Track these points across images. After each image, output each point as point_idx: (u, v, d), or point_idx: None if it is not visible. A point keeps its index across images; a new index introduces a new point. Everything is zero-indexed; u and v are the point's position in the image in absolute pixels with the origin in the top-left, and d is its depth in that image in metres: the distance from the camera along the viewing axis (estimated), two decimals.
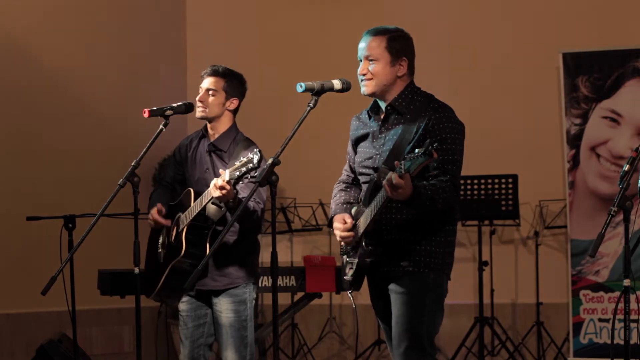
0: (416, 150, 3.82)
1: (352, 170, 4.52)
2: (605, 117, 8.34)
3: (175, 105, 5.07)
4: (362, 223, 4.21)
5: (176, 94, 8.69)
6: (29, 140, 8.47)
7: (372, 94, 4.33)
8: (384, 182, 3.93)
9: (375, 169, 4.27)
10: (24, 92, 8.49)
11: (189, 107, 5.11)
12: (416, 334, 4.19)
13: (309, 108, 4.27)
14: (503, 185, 8.42)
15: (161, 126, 4.95)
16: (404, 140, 4.17)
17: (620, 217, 4.14)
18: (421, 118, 4.19)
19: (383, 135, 4.30)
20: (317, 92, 4.30)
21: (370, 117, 4.40)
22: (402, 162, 3.84)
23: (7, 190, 8.28)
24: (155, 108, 5.01)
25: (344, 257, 4.38)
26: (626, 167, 4.12)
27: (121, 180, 4.81)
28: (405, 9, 9.29)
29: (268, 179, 4.18)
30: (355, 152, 4.46)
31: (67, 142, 8.72)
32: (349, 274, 4.32)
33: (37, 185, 8.45)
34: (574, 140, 8.43)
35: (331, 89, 4.35)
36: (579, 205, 8.40)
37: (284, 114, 7.63)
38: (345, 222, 4.29)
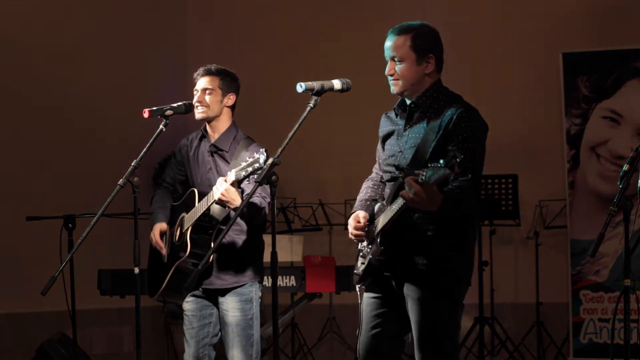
0: (441, 161, 3.77)
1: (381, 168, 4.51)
2: (605, 117, 8.34)
3: (175, 105, 5.07)
4: (381, 221, 4.19)
5: (176, 94, 8.69)
6: (29, 140, 8.48)
7: (400, 94, 4.30)
8: (404, 190, 3.89)
9: (397, 167, 4.26)
10: (24, 92, 8.49)
11: (189, 107, 5.12)
12: (437, 338, 4.16)
13: (309, 108, 4.27)
14: (503, 185, 8.42)
15: (161, 126, 4.96)
16: (428, 140, 4.15)
17: (620, 217, 4.14)
18: (444, 116, 4.16)
19: (407, 132, 4.28)
20: (317, 92, 4.30)
21: (397, 115, 4.38)
22: (424, 171, 3.79)
23: (7, 190, 8.28)
24: (155, 108, 5.02)
25: (359, 253, 4.37)
26: (626, 167, 4.12)
27: (121, 180, 4.82)
28: (405, 9, 9.28)
29: (268, 178, 4.19)
30: (384, 150, 4.44)
31: (67, 141, 8.72)
32: (360, 268, 4.31)
33: (37, 185, 8.45)
34: (574, 140, 8.43)
35: (331, 89, 4.35)
36: (579, 205, 8.40)
37: (284, 114, 7.63)
38: (359, 222, 4.28)
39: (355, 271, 4.35)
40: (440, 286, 4.16)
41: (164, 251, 5.12)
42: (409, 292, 4.19)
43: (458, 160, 3.72)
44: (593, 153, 8.37)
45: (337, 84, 4.36)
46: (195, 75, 5.16)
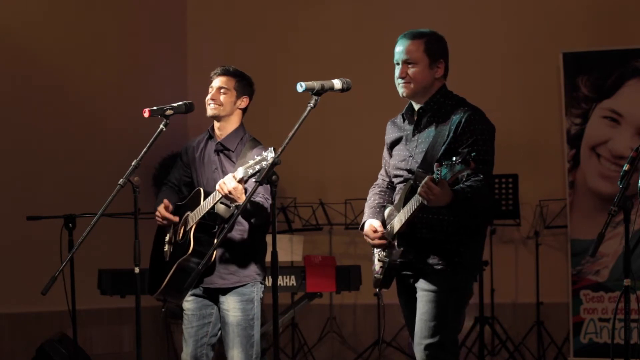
0: (454, 158, 3.85)
1: (388, 174, 4.57)
2: (606, 117, 8.34)
3: (175, 105, 5.07)
4: (396, 224, 4.25)
5: (176, 94, 8.69)
6: (29, 140, 8.47)
7: (410, 96, 4.36)
8: (420, 189, 3.96)
9: (409, 171, 4.32)
10: (24, 92, 8.49)
11: (189, 107, 5.12)
12: (439, 332, 4.24)
13: (309, 108, 4.28)
14: (503, 185, 8.42)
15: (161, 126, 4.96)
16: (437, 143, 4.24)
17: (621, 217, 4.14)
18: (453, 119, 4.26)
19: (416, 137, 4.36)
20: (318, 92, 4.31)
21: (404, 120, 4.46)
22: (439, 169, 3.88)
23: (7, 190, 8.28)
24: (155, 108, 5.02)
25: (375, 256, 4.43)
26: (626, 167, 4.12)
27: (121, 180, 4.82)
28: (404, 8, 9.29)
29: (268, 178, 4.20)
30: (391, 156, 4.50)
31: (67, 142, 8.72)
32: (379, 272, 4.38)
33: (37, 185, 8.45)
34: (574, 140, 8.43)
35: (331, 88, 4.36)
36: (579, 205, 8.40)
37: (284, 114, 7.63)
38: (375, 231, 4.36)
39: (375, 275, 4.42)
40: (452, 281, 4.26)
41: (175, 219, 5.10)
42: (422, 285, 4.29)
43: (473, 155, 3.81)
44: (593, 153, 8.37)
45: (337, 83, 4.37)
46: (212, 73, 5.18)
